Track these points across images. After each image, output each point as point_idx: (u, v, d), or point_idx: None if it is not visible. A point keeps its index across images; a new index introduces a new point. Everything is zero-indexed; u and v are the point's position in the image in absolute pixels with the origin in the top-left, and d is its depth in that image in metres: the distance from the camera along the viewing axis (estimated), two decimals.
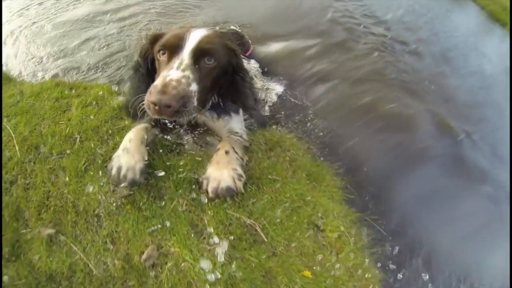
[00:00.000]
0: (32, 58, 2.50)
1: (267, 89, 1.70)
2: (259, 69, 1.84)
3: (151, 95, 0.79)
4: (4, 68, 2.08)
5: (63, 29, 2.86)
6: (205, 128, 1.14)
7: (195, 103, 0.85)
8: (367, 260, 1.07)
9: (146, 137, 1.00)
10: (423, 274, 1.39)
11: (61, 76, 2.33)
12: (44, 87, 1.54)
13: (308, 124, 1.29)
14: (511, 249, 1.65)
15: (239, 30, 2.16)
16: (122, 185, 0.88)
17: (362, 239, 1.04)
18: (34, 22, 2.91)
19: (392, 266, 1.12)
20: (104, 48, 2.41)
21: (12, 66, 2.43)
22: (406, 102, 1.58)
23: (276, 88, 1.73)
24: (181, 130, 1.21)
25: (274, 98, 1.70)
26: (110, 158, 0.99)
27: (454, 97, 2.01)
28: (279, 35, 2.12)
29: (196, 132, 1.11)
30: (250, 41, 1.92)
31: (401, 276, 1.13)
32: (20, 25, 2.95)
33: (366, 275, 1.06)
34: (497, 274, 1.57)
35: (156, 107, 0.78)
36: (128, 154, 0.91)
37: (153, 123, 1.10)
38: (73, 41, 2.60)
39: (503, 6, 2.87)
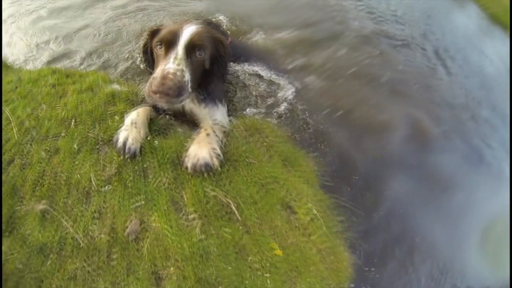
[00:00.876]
0: (28, 45, 2.65)
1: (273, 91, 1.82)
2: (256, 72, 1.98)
3: (152, 86, 0.97)
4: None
5: (59, 16, 3.03)
6: (191, 116, 1.28)
7: (189, 90, 1.04)
8: (340, 244, 1.18)
9: (150, 116, 1.19)
10: (399, 262, 1.50)
11: (57, 64, 2.49)
12: (41, 74, 1.68)
13: (290, 114, 1.42)
14: (511, 249, 1.76)
15: (215, 20, 2.31)
16: (126, 156, 1.05)
17: (336, 224, 1.15)
18: (29, 10, 3.08)
19: (365, 252, 1.23)
20: (101, 37, 2.56)
21: (8, 54, 2.59)
22: (388, 105, 1.70)
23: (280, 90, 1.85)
24: (171, 118, 1.36)
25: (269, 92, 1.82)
26: (101, 140, 1.12)
27: (446, 97, 2.12)
28: (269, 27, 2.26)
29: (183, 119, 1.25)
30: (228, 32, 2.07)
31: (375, 261, 1.24)
32: (14, 13, 3.12)
33: (338, 259, 1.18)
34: (478, 274, 1.68)
35: (157, 95, 0.97)
36: (135, 129, 1.08)
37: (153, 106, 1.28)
38: (69, 29, 2.76)
39: (505, 8, 2.96)
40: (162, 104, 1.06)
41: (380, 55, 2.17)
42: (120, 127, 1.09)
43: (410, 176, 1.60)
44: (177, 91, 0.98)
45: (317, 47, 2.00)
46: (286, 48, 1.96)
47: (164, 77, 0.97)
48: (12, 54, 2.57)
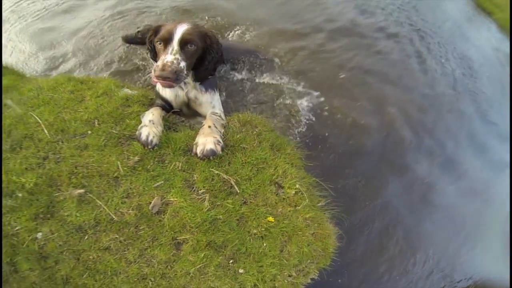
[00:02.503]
0: (29, 51, 3.05)
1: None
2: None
3: (156, 72, 1.41)
4: (13, 67, 2.61)
5: (57, 20, 3.42)
6: (194, 103, 1.71)
7: (185, 74, 1.47)
8: (323, 216, 1.59)
9: (163, 114, 1.61)
10: (377, 238, 1.91)
11: (59, 68, 2.90)
12: (58, 82, 2.08)
13: (276, 107, 1.82)
14: (511, 249, 2.17)
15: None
16: (149, 147, 1.45)
17: (318, 199, 1.55)
18: (28, 15, 3.47)
19: (346, 225, 1.63)
20: (100, 39, 2.95)
21: (14, 61, 2.98)
22: (367, 99, 2.09)
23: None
24: (178, 115, 1.76)
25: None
26: (124, 136, 1.53)
27: (428, 89, 2.50)
28: (255, 22, 2.64)
29: (188, 115, 1.66)
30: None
31: (354, 236, 1.64)
32: (13, 22, 3.51)
33: (322, 227, 1.58)
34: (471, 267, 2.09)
35: (160, 79, 1.39)
36: (154, 125, 1.49)
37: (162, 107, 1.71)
38: (68, 33, 3.16)
39: None
40: (165, 86, 1.49)
41: (366, 46, 2.52)
42: (140, 125, 1.49)
43: (385, 170, 2.00)
44: (175, 75, 1.40)
45: (301, 40, 2.38)
46: (270, 42, 2.34)
47: (164, 65, 1.39)
48: (17, 60, 2.98)
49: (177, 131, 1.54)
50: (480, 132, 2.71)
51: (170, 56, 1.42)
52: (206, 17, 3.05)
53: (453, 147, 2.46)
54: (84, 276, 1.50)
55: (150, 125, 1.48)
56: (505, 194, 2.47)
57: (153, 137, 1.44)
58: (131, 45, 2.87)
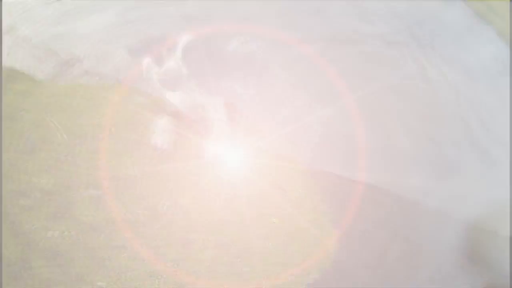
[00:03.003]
0: (44, 60, 3.19)
1: None
2: None
3: (159, 76, 1.63)
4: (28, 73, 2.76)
5: (64, 25, 3.58)
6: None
7: (186, 79, 1.68)
8: (324, 219, 1.74)
9: (174, 122, 1.75)
10: (380, 242, 2.02)
11: (67, 73, 3.04)
12: (74, 89, 2.25)
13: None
14: (511, 249, 2.25)
15: None
16: (163, 153, 1.59)
17: (320, 203, 1.71)
18: (41, 24, 3.65)
19: (347, 228, 1.78)
20: (116, 50, 3.09)
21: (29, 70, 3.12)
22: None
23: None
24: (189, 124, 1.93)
25: None
26: (140, 141, 1.69)
27: (429, 99, 2.65)
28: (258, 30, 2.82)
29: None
30: None
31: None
32: (23, 28, 3.66)
33: (323, 228, 1.72)
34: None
35: (161, 83, 1.61)
36: (166, 133, 1.65)
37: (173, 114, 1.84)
38: (76, 38, 3.31)
39: (488, 5, 3.50)
40: (168, 90, 1.70)
41: (366, 55, 2.69)
42: (154, 133, 1.66)
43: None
44: (176, 80, 1.62)
45: (301, 48, 2.55)
46: (272, 51, 2.51)
47: (167, 71, 1.60)
48: (29, 66, 3.14)
49: (188, 138, 1.72)
50: (481, 139, 2.81)
51: (172, 63, 1.62)
52: (211, 27, 3.23)
53: (455, 154, 2.56)
54: (97, 272, 1.64)
55: (163, 134, 1.66)
56: (506, 197, 2.54)
57: (167, 144, 1.62)
58: (136, 55, 3.02)
